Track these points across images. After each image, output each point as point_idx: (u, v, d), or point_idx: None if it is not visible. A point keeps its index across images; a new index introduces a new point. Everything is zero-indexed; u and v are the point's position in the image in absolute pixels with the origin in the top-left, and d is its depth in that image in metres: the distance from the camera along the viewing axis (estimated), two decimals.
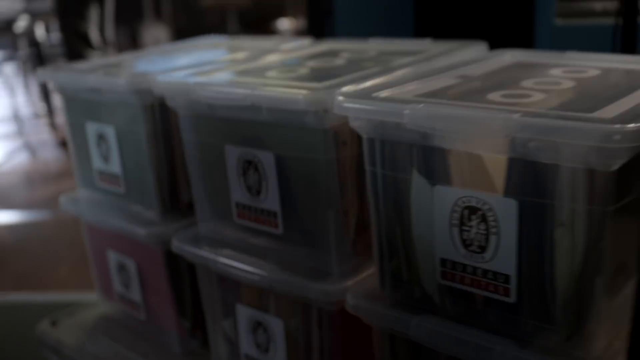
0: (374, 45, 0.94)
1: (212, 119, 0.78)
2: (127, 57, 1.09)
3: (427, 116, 0.57)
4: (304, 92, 0.68)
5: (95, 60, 1.10)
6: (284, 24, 4.87)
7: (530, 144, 0.53)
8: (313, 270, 0.74)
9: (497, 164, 0.56)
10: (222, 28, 5.52)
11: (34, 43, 3.56)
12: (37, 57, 3.65)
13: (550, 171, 0.53)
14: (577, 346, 0.56)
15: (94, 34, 2.80)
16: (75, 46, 2.79)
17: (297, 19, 4.83)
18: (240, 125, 0.75)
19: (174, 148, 0.90)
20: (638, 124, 0.49)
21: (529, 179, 0.55)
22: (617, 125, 0.50)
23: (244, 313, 0.83)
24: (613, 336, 0.58)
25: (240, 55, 0.97)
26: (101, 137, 0.95)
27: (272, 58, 0.92)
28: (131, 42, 4.97)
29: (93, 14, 2.81)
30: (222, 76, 0.82)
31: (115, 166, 0.95)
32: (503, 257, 0.57)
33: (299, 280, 0.73)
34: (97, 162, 0.98)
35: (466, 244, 0.59)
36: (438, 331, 0.62)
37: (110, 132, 0.93)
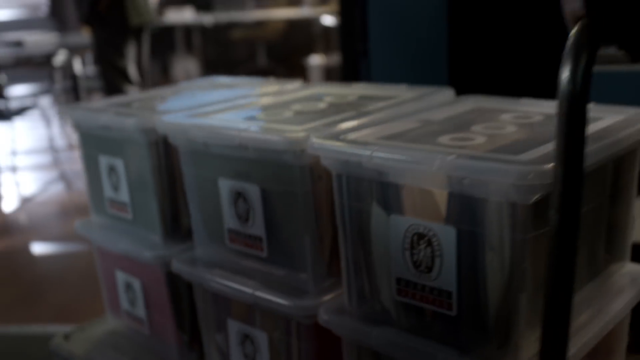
0: (355, 90, 1.05)
1: (208, 155, 0.89)
2: (136, 97, 1.20)
3: (380, 157, 0.68)
4: (284, 134, 0.79)
5: (109, 99, 1.22)
6: (315, 60, 4.87)
7: (464, 181, 0.64)
8: (293, 288, 0.84)
9: (439, 197, 0.67)
10: (251, 61, 5.64)
11: (71, 76, 3.68)
12: (74, 90, 3.77)
13: (481, 204, 0.64)
14: (507, 355, 0.66)
15: (132, 70, 2.92)
16: (114, 81, 2.91)
17: (328, 55, 4.86)
18: (231, 161, 0.87)
19: (175, 180, 1.01)
20: (549, 165, 0.60)
21: (465, 210, 0.65)
22: (532, 166, 0.60)
23: (233, 327, 0.93)
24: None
25: (235, 97, 1.08)
26: (112, 169, 1.07)
27: (264, 100, 1.04)
28: (162, 74, 5.07)
29: (131, 50, 2.92)
30: (217, 117, 0.93)
31: (123, 195, 1.06)
32: (446, 276, 0.68)
33: (280, 297, 0.83)
34: (108, 191, 1.10)
35: (416, 265, 0.70)
36: (393, 341, 0.72)
37: (119, 164, 1.05)
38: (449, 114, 0.86)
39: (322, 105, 0.96)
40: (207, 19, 5.16)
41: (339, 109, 0.93)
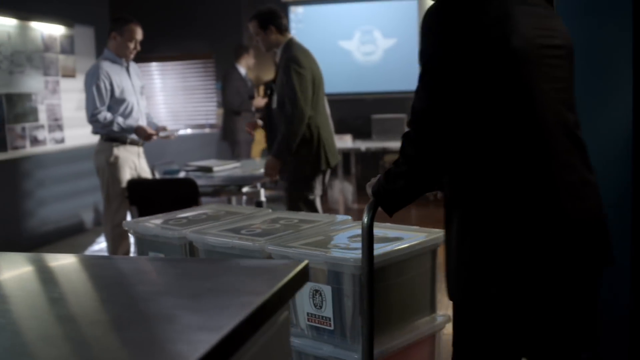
0: (298, 216, 1.84)
1: (214, 253, 1.66)
2: (172, 217, 1.98)
3: (295, 254, 1.46)
4: (255, 242, 1.56)
5: (153, 216, 1.99)
6: None
7: (330, 263, 1.41)
8: None
9: (324, 272, 1.44)
10: None
11: (256, 203, 3.63)
12: None
13: (341, 275, 1.41)
14: (358, 350, 1.41)
15: (319, 203, 3.18)
16: (302, 210, 3.06)
17: None
18: (226, 256, 1.63)
19: None
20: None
21: (335, 277, 1.42)
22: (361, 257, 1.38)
23: None
24: None
25: (234, 220, 1.87)
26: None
27: (248, 222, 1.82)
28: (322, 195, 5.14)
29: (318, 185, 3.16)
30: (220, 234, 1.71)
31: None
32: (328, 310, 1.44)
33: None
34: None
35: (315, 305, 1.46)
36: (304, 345, 1.47)
37: (162, 257, 1.81)
38: (344, 233, 1.65)
39: (278, 225, 1.75)
40: (364, 145, 5.45)
41: (288, 228, 1.71)
